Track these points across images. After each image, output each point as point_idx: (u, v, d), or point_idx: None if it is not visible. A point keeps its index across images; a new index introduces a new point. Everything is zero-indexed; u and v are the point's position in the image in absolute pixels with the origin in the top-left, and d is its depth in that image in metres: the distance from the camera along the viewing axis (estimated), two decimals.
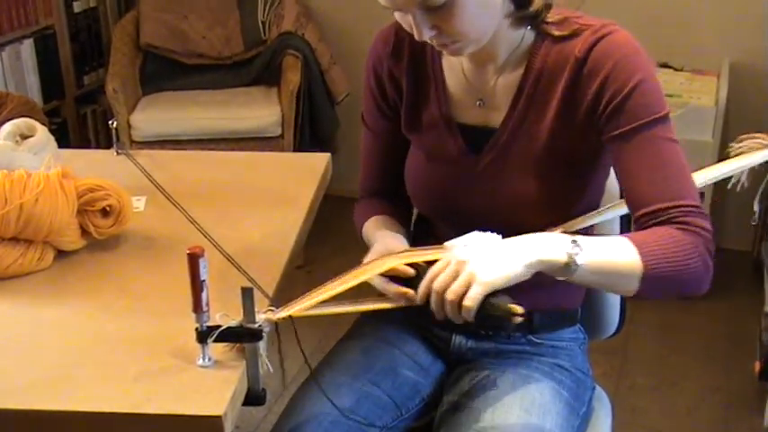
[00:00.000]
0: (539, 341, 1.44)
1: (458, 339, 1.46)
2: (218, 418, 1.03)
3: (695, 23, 3.12)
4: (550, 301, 1.42)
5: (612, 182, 1.44)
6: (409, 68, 1.41)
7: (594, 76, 1.26)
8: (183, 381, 1.09)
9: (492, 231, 1.22)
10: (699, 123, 2.80)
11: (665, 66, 3.16)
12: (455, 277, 1.15)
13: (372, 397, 1.37)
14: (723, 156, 1.45)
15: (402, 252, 1.30)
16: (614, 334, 1.65)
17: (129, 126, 3.13)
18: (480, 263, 1.14)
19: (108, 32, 3.53)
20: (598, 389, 1.60)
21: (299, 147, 3.24)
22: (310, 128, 3.28)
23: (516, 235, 1.20)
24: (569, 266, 1.16)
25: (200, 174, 1.72)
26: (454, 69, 1.38)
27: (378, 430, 1.35)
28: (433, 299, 1.18)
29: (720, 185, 1.41)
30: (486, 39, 1.27)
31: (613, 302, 1.61)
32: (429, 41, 1.25)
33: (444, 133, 1.38)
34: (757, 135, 1.42)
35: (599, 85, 1.25)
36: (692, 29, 3.13)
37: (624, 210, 1.33)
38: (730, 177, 1.40)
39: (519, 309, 1.14)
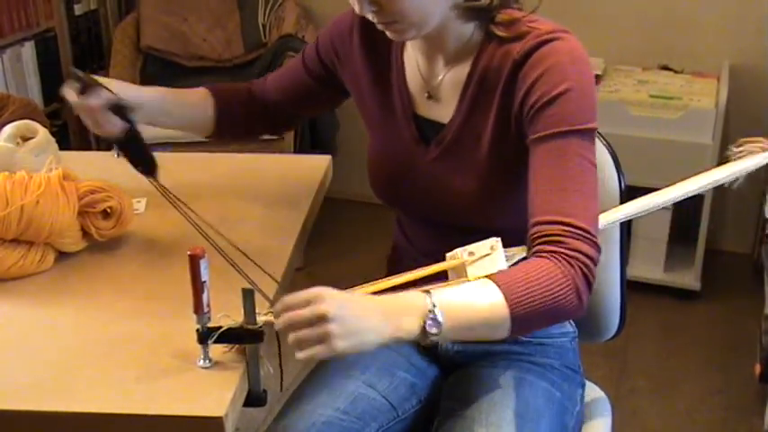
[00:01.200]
0: (526, 339, 1.44)
1: (444, 344, 1.47)
2: (219, 419, 1.03)
3: (695, 26, 3.13)
4: None
5: (607, 185, 1.44)
6: (370, 53, 1.42)
7: (526, 78, 1.23)
8: (184, 382, 1.10)
9: (442, 224, 1.24)
10: (699, 126, 2.80)
11: (664, 68, 3.17)
12: (311, 323, 1.05)
13: (367, 398, 1.37)
14: (723, 158, 1.45)
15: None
16: (614, 336, 1.65)
17: None
18: (340, 330, 1.05)
19: (108, 35, 3.53)
20: (599, 392, 1.60)
21: (300, 149, 3.24)
22: (310, 130, 3.29)
23: (454, 227, 1.18)
24: (429, 336, 1.10)
25: (200, 176, 1.72)
26: (410, 61, 1.39)
27: (373, 431, 1.36)
28: (283, 325, 1.08)
29: (720, 187, 1.41)
30: (430, 26, 1.25)
31: (613, 305, 1.61)
32: (372, 20, 1.25)
33: (402, 121, 1.39)
34: (757, 139, 1.43)
35: (527, 88, 1.23)
36: (692, 31, 3.14)
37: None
38: (738, 190, 1.40)
39: None
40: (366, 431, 1.35)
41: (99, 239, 1.42)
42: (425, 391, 1.45)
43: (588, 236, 1.16)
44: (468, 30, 1.30)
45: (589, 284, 1.16)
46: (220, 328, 1.10)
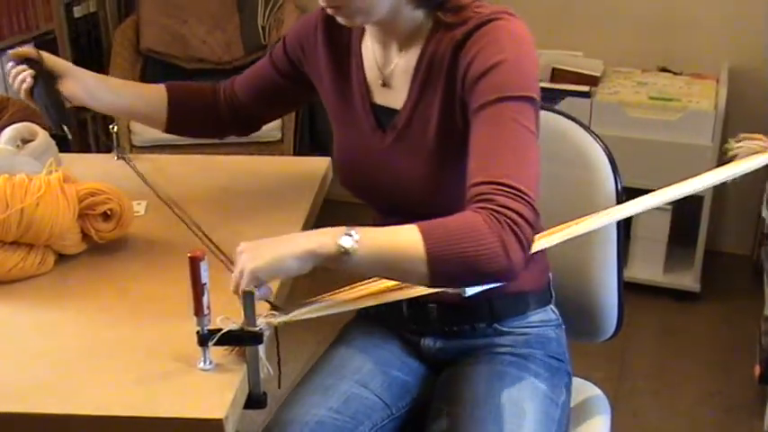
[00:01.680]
0: (506, 329, 1.44)
1: (426, 342, 1.48)
2: (220, 421, 1.03)
3: (694, 28, 3.13)
4: (507, 286, 1.28)
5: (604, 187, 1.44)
6: (331, 47, 1.45)
7: (466, 56, 1.25)
8: (184, 384, 1.10)
9: (405, 213, 1.22)
10: (698, 128, 2.80)
11: (664, 70, 3.17)
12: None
13: (360, 397, 1.38)
14: (722, 159, 1.45)
15: None
16: (612, 336, 1.65)
17: (130, 131, 3.14)
18: (252, 255, 1.12)
19: (108, 37, 3.53)
20: (598, 393, 1.60)
21: (299, 151, 3.24)
22: (310, 132, 3.29)
23: (416, 217, 1.17)
24: (343, 255, 1.11)
25: (199, 178, 1.72)
26: (368, 52, 1.41)
27: (367, 429, 1.36)
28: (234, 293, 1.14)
29: (719, 188, 1.41)
30: (379, 12, 1.28)
31: (610, 305, 1.61)
32: (322, 4, 1.29)
33: (360, 111, 1.42)
34: (757, 136, 1.43)
35: (467, 65, 1.25)
36: (691, 33, 3.14)
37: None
38: (738, 191, 1.40)
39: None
40: (360, 430, 1.35)
41: (99, 242, 1.42)
42: (418, 390, 1.45)
43: (520, 194, 1.13)
44: (420, 16, 1.32)
45: (521, 243, 1.11)
46: (220, 330, 1.10)
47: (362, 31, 1.42)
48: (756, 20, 3.05)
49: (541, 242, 1.26)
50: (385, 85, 1.39)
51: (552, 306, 1.50)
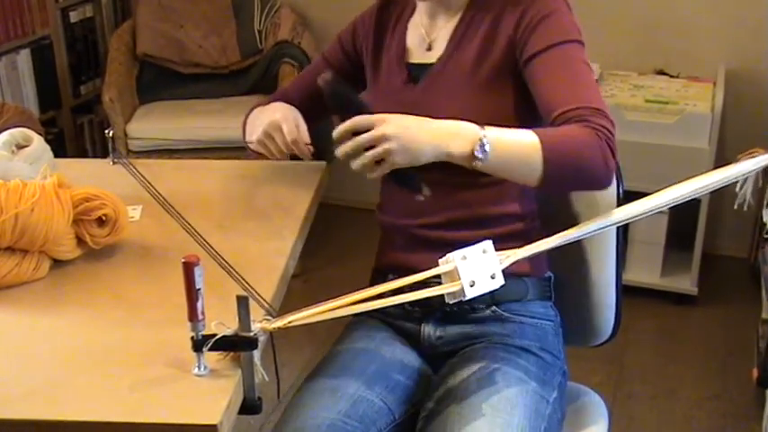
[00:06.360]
0: (505, 314, 1.46)
1: (426, 330, 1.49)
2: (214, 427, 1.02)
3: (691, 30, 3.13)
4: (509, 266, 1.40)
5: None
6: (378, 26, 1.61)
7: (515, 5, 1.43)
8: (179, 390, 1.09)
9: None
10: (695, 130, 2.81)
11: (660, 72, 3.17)
12: (372, 146, 1.27)
13: (367, 401, 1.38)
14: (719, 163, 1.45)
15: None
16: (609, 340, 1.65)
17: (126, 135, 3.13)
18: (398, 146, 1.27)
19: (104, 42, 3.53)
20: (596, 397, 1.60)
21: (295, 156, 3.23)
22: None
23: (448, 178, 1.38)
24: (472, 161, 1.28)
25: (196, 183, 1.72)
26: (415, 27, 1.56)
27: None
28: (344, 154, 1.30)
29: (717, 192, 1.41)
30: None
31: (608, 308, 1.61)
32: None
33: (395, 70, 1.55)
34: (755, 151, 1.42)
35: (519, 16, 1.43)
36: (688, 36, 3.14)
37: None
38: (735, 194, 1.40)
39: (426, 190, 1.33)
40: None
41: (94, 247, 1.41)
42: (419, 394, 1.45)
43: (606, 115, 1.34)
44: None
45: (613, 154, 1.32)
46: (215, 335, 1.10)
47: (411, 13, 1.58)
48: (753, 22, 3.05)
49: (540, 243, 1.28)
50: (429, 48, 1.53)
51: (552, 304, 1.51)
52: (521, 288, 1.48)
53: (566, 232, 1.30)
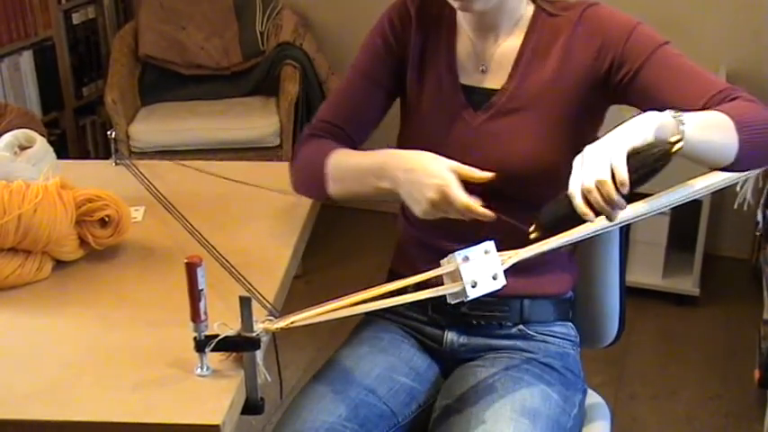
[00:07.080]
0: (530, 333, 1.45)
1: (450, 336, 1.48)
2: (217, 427, 1.03)
3: (691, 32, 3.13)
4: (538, 287, 1.44)
5: None
6: (421, 32, 1.49)
7: (592, 35, 1.38)
8: (182, 390, 1.10)
9: (483, 189, 1.29)
10: None
11: None
12: (597, 171, 1.16)
13: (368, 404, 1.38)
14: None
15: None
16: (613, 342, 1.65)
17: (128, 137, 3.14)
18: (610, 145, 1.18)
19: (107, 44, 3.54)
20: (598, 398, 1.60)
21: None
22: None
23: (506, 195, 1.28)
24: (676, 133, 1.23)
25: (198, 184, 1.72)
26: (462, 39, 1.47)
27: None
28: (588, 193, 1.16)
29: (719, 194, 1.41)
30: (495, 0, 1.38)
31: (612, 311, 1.61)
32: None
33: (449, 90, 1.46)
34: None
35: (599, 44, 1.38)
36: (689, 37, 3.14)
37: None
38: (736, 194, 1.39)
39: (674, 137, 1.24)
40: None
41: (96, 248, 1.42)
42: (424, 395, 1.45)
43: (739, 89, 1.34)
44: (522, 6, 1.43)
45: None
46: (218, 336, 1.10)
47: (454, 21, 1.48)
48: (754, 24, 3.05)
49: (541, 244, 1.27)
50: (485, 69, 1.45)
51: (571, 324, 1.52)
52: (548, 310, 1.48)
53: (567, 233, 1.30)
